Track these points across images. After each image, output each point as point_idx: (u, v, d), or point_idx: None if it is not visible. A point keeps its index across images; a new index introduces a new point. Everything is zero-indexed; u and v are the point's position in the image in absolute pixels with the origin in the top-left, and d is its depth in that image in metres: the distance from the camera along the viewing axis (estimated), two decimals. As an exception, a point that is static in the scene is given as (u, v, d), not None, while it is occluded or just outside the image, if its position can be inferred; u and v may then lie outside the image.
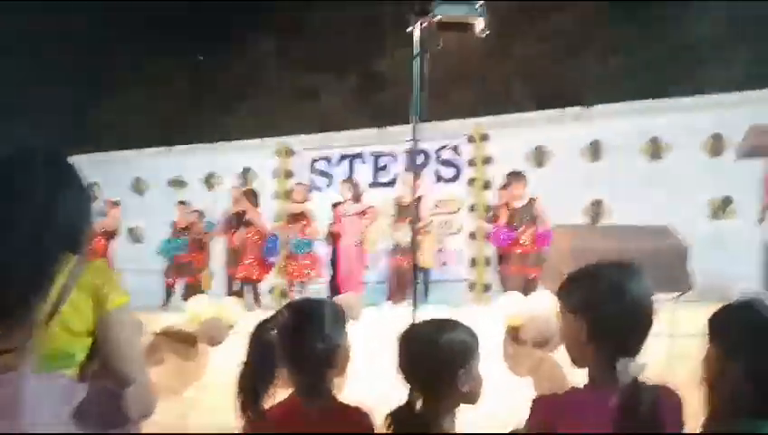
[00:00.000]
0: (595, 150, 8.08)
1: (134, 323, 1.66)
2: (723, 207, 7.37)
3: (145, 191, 9.91)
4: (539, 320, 3.88)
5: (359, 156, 9.21)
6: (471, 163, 8.64)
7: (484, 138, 8.58)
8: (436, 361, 1.69)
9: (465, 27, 3.30)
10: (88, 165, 9.03)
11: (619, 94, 8.42)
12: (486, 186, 8.49)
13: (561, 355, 3.97)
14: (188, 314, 4.81)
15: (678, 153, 7.72)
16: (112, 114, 11.39)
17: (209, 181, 9.67)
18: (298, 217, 7.09)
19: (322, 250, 7.47)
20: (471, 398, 1.72)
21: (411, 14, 3.22)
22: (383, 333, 4.18)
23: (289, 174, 9.32)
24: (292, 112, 11.40)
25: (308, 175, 9.33)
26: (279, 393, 1.78)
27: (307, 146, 9.42)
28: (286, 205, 7.38)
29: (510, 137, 8.49)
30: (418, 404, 1.70)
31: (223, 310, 4.85)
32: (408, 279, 6.10)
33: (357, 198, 6.88)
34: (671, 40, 9.75)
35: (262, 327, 1.75)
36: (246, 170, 9.48)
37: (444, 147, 8.80)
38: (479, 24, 3.30)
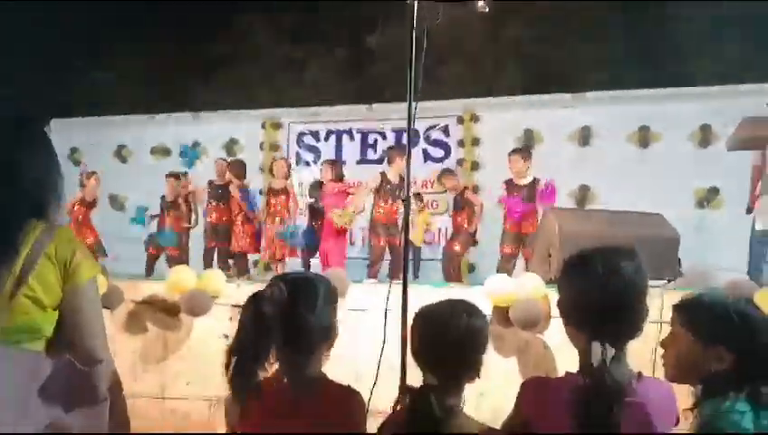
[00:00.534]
0: (584, 136, 8.09)
1: (99, 297, 1.57)
2: (710, 197, 7.44)
3: (128, 158, 9.76)
4: (526, 301, 3.87)
5: (347, 132, 9.13)
6: (460, 144, 8.60)
7: (475, 119, 8.55)
8: (455, 347, 1.66)
9: (465, 1, 3.22)
10: (70, 129, 8.93)
11: (611, 82, 8.40)
12: (474, 167, 8.48)
13: (549, 337, 4.00)
14: (170, 283, 4.74)
15: (667, 142, 7.78)
16: (97, 80, 11.14)
17: (193, 150, 9.55)
18: (279, 193, 6.98)
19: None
20: (473, 377, 1.70)
21: (410, -15, 3.12)
22: (370, 310, 4.19)
23: (275, 147, 9.23)
24: (279, 84, 11.24)
25: (294, 148, 9.26)
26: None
27: (294, 119, 9.32)
28: (268, 179, 7.25)
29: (499, 119, 8.47)
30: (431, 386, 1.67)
31: (206, 281, 4.78)
32: (396, 257, 6.12)
33: (339, 178, 6.82)
34: (664, 30, 9.73)
35: (258, 299, 1.69)
36: (233, 142, 9.37)
37: (433, 126, 8.75)
38: (480, -1, 3.21)
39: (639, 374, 1.56)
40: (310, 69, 11.58)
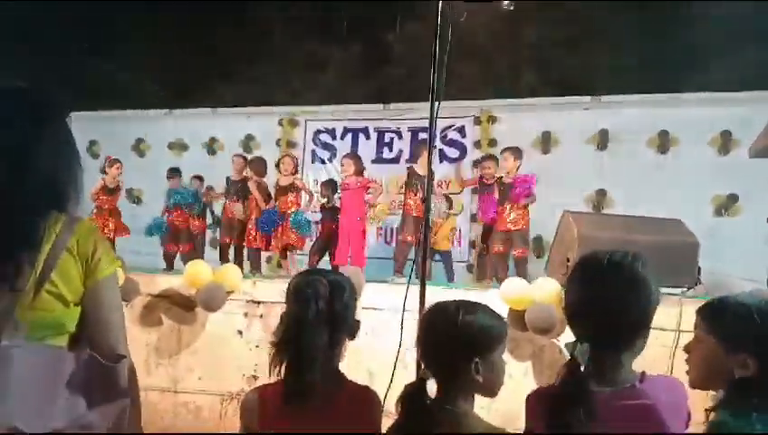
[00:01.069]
0: (602, 139, 8.03)
1: (119, 293, 1.56)
2: (728, 203, 7.35)
3: (146, 153, 9.82)
4: (542, 306, 3.85)
5: (363, 130, 9.12)
6: (476, 145, 8.57)
7: (493, 120, 8.51)
8: (450, 343, 1.62)
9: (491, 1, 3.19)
10: (89, 123, 8.97)
11: (630, 86, 8.33)
12: (491, 168, 8.44)
13: (563, 343, 3.97)
14: (187, 277, 4.76)
15: (686, 148, 7.69)
16: (115, 73, 11.23)
17: (211, 146, 9.59)
18: (287, 190, 6.97)
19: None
20: (488, 391, 1.63)
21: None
22: (385, 309, 4.18)
23: (292, 144, 9.24)
24: (297, 81, 11.27)
25: (311, 146, 9.27)
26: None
27: (311, 117, 9.33)
28: (276, 176, 7.22)
29: (517, 121, 8.42)
30: (432, 385, 1.66)
31: (223, 275, 4.80)
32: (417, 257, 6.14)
33: (359, 172, 6.79)
34: (685, 35, 9.65)
35: (307, 295, 1.72)
36: (250, 138, 9.40)
37: (450, 127, 8.72)
38: (506, -5, 3.19)
39: (643, 374, 1.54)
40: (327, 67, 11.62)
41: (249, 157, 7.74)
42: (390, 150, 8.98)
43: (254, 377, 4.68)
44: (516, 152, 6.49)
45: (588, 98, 8.20)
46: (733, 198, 7.34)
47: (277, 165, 7.19)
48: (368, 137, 9.10)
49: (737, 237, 6.81)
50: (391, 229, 8.58)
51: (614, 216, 5.90)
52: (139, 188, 9.44)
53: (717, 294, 1.71)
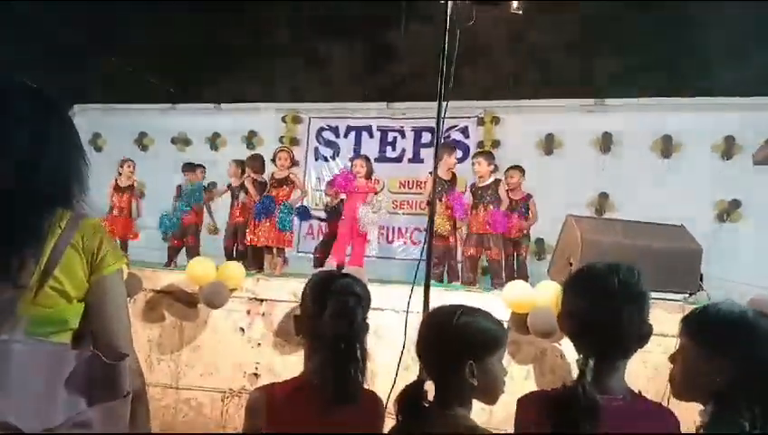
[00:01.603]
0: (606, 143, 8.03)
1: (124, 289, 1.54)
2: (731, 209, 7.35)
3: (149, 146, 9.83)
4: (544, 309, 3.85)
5: (367, 128, 9.12)
6: (479, 145, 8.57)
7: (496, 121, 8.51)
8: (445, 343, 1.63)
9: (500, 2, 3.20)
10: (92, 115, 8.96)
11: (634, 90, 8.33)
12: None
13: (566, 346, 3.98)
14: (190, 274, 4.77)
15: (689, 153, 7.70)
16: (118, 67, 11.21)
17: (214, 142, 9.59)
18: (282, 183, 6.94)
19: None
20: (486, 396, 1.63)
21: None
22: (388, 311, 4.19)
23: (295, 141, 9.24)
24: (301, 78, 11.26)
25: (314, 143, 9.27)
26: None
27: (315, 114, 9.33)
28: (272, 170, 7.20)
29: (520, 122, 8.43)
30: (428, 388, 1.66)
31: (226, 272, 4.80)
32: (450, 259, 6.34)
33: (369, 175, 6.76)
34: (689, 38, 9.64)
35: (344, 294, 1.74)
36: (253, 134, 9.40)
37: (453, 127, 8.72)
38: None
39: (637, 394, 1.57)
40: (332, 64, 11.59)
41: (246, 157, 7.68)
42: (393, 149, 8.99)
43: (256, 375, 4.69)
44: (489, 157, 6.47)
45: (592, 101, 8.22)
46: (735, 204, 7.35)
47: (273, 159, 7.16)
48: (371, 135, 9.11)
49: (740, 243, 6.82)
50: (392, 229, 8.58)
51: (617, 220, 5.90)
52: (141, 181, 9.43)
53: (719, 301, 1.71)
